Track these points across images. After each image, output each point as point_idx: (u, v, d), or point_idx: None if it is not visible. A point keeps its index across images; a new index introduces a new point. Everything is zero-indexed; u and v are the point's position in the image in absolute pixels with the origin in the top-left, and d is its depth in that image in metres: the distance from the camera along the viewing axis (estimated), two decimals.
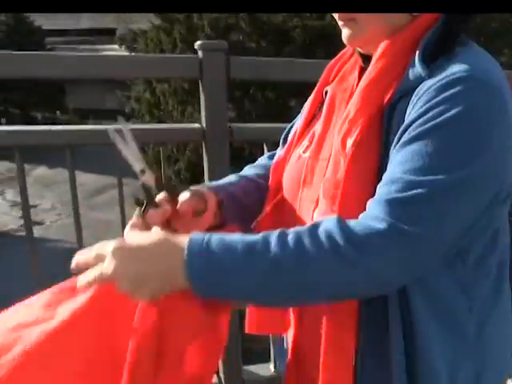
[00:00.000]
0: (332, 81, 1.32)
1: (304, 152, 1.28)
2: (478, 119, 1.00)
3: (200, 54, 2.14)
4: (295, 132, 1.35)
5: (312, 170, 1.22)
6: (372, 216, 0.97)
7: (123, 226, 2.41)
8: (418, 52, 1.09)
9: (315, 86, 1.38)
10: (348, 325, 1.08)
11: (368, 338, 1.09)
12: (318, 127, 1.26)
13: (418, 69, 1.07)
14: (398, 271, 0.97)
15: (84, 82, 42.41)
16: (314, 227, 0.98)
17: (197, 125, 2.22)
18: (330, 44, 25.43)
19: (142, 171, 1.19)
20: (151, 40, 21.82)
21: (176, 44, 20.40)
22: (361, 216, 1.00)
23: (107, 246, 1.00)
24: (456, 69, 1.03)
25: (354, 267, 0.94)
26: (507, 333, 1.23)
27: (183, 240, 0.98)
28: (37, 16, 48.44)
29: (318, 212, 1.16)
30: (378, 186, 1.02)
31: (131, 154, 1.19)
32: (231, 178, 1.38)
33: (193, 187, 1.23)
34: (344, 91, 1.24)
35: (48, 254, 13.13)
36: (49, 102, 37.93)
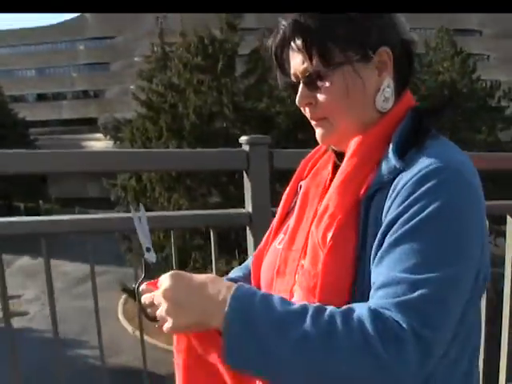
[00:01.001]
0: (306, 176, 1.35)
1: (279, 244, 1.29)
2: (459, 210, 1.02)
3: (246, 147, 2.29)
4: (272, 226, 1.37)
5: (285, 261, 1.22)
6: (393, 321, 0.95)
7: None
8: (391, 146, 1.12)
9: None
10: None
11: None
12: (291, 220, 1.28)
13: (392, 162, 1.09)
14: (413, 371, 0.94)
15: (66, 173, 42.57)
16: (347, 314, 0.97)
17: (244, 210, 2.33)
18: (311, 128, 26.03)
19: (148, 249, 1.30)
20: (137, 129, 22.16)
21: (162, 133, 20.75)
22: (378, 315, 0.96)
23: (168, 281, 1.09)
24: (429, 161, 1.05)
25: (377, 360, 0.92)
26: None
27: (225, 292, 1.03)
28: (20, 108, 49.15)
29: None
30: (378, 285, 1.01)
31: (143, 232, 1.31)
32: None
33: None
34: (317, 186, 1.27)
35: (33, 343, 12.89)
36: (32, 192, 38.10)
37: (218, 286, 1.05)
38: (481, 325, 1.20)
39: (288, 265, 1.20)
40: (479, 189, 1.08)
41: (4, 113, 45.12)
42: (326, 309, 0.98)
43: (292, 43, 1.17)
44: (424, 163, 1.05)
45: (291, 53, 1.19)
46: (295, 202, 1.33)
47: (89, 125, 53.08)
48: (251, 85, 25.01)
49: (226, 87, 19.92)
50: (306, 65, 1.16)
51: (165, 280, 1.09)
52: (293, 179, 1.38)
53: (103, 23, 54.78)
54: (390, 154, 1.10)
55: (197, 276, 1.09)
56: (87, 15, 56.51)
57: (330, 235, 1.09)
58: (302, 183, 1.33)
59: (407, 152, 1.09)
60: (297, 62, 1.18)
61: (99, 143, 43.14)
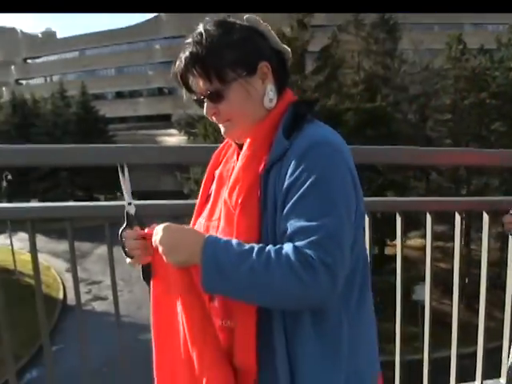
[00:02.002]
0: (219, 164, 1.66)
1: (202, 218, 1.64)
2: (333, 173, 1.38)
3: None
4: (195, 210, 1.69)
5: (207, 229, 1.57)
6: (307, 254, 1.31)
7: None
8: (279, 131, 1.47)
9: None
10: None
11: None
12: (210, 199, 1.61)
13: (280, 142, 1.45)
14: (325, 287, 1.31)
15: (141, 166, 43.61)
16: (280, 249, 1.34)
17: None
18: (380, 125, 25.69)
19: (129, 203, 1.61)
20: (210, 125, 22.78)
21: None
22: (297, 250, 1.32)
23: (160, 231, 1.43)
24: (306, 139, 1.42)
25: (304, 283, 1.29)
26: (371, 328, 1.60)
27: (203, 237, 1.39)
28: (101, 105, 50.44)
29: None
30: (291, 232, 1.36)
31: (126, 189, 1.62)
32: None
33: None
34: (227, 171, 1.60)
35: (112, 327, 13.24)
36: (110, 184, 39.06)
37: (195, 234, 1.44)
38: (366, 256, 1.60)
39: (210, 232, 1.54)
40: (346, 154, 1.45)
41: (87, 110, 46.59)
42: (265, 247, 1.35)
43: (193, 70, 1.49)
44: (303, 141, 1.42)
45: (193, 77, 1.51)
46: (212, 187, 1.65)
47: (163, 121, 53.97)
48: (321, 82, 24.89)
49: (296, 84, 19.90)
50: (206, 85, 1.49)
51: (159, 229, 1.44)
52: (208, 169, 1.69)
53: (177, 23, 55.42)
54: (279, 137, 1.46)
55: (180, 227, 1.45)
56: (163, 16, 57.41)
57: (240, 200, 1.44)
58: (217, 171, 1.65)
59: (291, 134, 1.45)
60: (199, 84, 1.51)
61: (173, 138, 43.82)
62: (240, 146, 1.59)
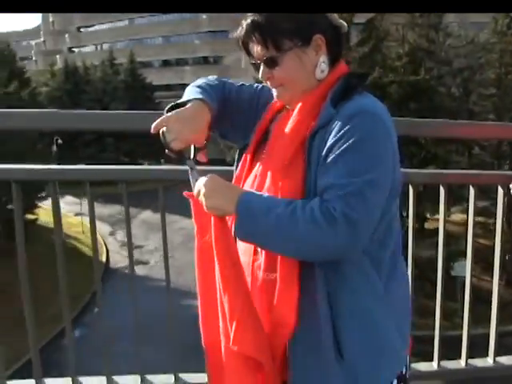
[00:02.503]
0: (274, 115, 1.74)
1: (258, 167, 1.69)
2: (373, 140, 1.45)
3: None
4: (246, 157, 1.74)
5: (253, 184, 1.65)
6: (330, 206, 1.39)
7: None
8: (327, 100, 1.55)
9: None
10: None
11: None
12: (263, 156, 1.67)
13: (328, 110, 1.52)
14: (347, 241, 1.39)
15: None
16: (307, 201, 1.44)
17: None
18: (423, 98, 25.28)
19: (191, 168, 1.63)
20: None
21: None
22: (322, 203, 1.41)
23: (205, 177, 1.54)
24: (353, 107, 1.49)
25: (324, 232, 1.38)
26: (405, 288, 1.71)
27: (239, 189, 1.55)
28: (147, 73, 50.80)
29: None
30: (322, 188, 1.45)
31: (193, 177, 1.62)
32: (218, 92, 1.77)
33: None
34: (282, 130, 1.63)
35: (151, 291, 13.50)
36: (154, 151, 39.44)
37: (234, 185, 1.64)
38: (398, 221, 1.65)
39: (263, 185, 1.61)
40: (389, 124, 1.50)
41: (135, 77, 46.92)
42: (293, 201, 1.44)
43: (252, 36, 1.58)
44: (349, 108, 1.48)
45: (252, 43, 1.60)
46: (265, 138, 1.71)
47: None
48: (365, 54, 24.53)
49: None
50: (263, 51, 1.58)
51: (206, 177, 1.54)
52: (262, 119, 1.75)
53: None
54: (327, 105, 1.53)
55: (222, 179, 1.55)
56: None
57: (286, 162, 1.54)
58: (271, 126, 1.72)
59: (339, 103, 1.52)
60: (257, 49, 1.59)
61: None
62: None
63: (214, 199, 1.51)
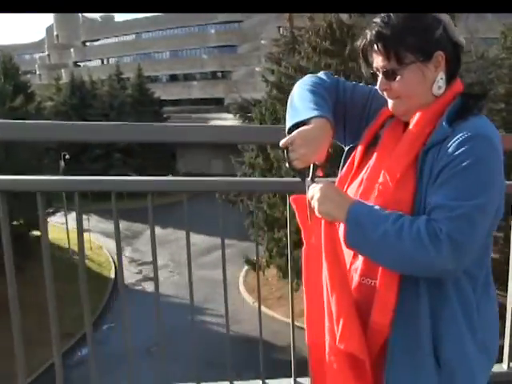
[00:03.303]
0: (384, 122, 1.76)
1: (365, 173, 1.72)
2: (486, 165, 1.49)
3: None
4: (353, 159, 1.79)
5: (363, 190, 1.68)
6: (436, 227, 1.44)
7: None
8: (444, 118, 1.58)
9: None
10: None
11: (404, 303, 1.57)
12: (371, 161, 1.71)
13: (444, 129, 1.56)
14: (450, 263, 1.45)
15: (193, 149, 44.44)
16: (415, 219, 1.49)
17: None
18: None
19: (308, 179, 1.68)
20: (267, 109, 22.80)
21: None
22: (429, 223, 1.46)
23: (321, 184, 1.62)
24: (468, 129, 1.51)
25: (428, 252, 1.43)
26: (493, 308, 1.72)
27: (350, 199, 1.60)
28: (155, 88, 51.03)
29: None
30: (431, 207, 1.49)
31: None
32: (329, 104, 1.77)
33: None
34: (393, 138, 1.70)
35: (162, 306, 13.46)
36: (162, 166, 39.54)
37: (347, 195, 1.65)
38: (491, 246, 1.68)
39: (371, 194, 1.65)
40: (500, 149, 1.54)
41: (142, 92, 47.18)
42: (402, 216, 1.50)
43: (375, 47, 1.61)
44: (465, 130, 1.51)
45: (374, 53, 1.63)
46: (373, 143, 1.75)
47: (216, 104, 54.24)
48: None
49: (353, 71, 19.68)
50: (384, 63, 1.61)
51: (322, 183, 1.62)
52: (374, 123, 1.78)
53: None
54: (443, 123, 1.57)
55: (337, 188, 1.66)
56: None
57: (398, 175, 1.59)
58: (381, 132, 1.75)
59: (454, 123, 1.55)
60: (378, 60, 1.62)
61: (226, 122, 44.03)
62: (405, 123, 1.71)
63: (327, 206, 1.58)
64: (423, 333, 1.56)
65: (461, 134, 1.51)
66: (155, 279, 2.63)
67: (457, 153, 1.49)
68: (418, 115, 1.63)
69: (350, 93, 1.84)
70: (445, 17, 1.63)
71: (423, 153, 1.58)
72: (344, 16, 21.75)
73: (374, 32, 1.60)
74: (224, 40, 57.43)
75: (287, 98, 1.87)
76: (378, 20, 1.61)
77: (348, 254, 1.66)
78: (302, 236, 1.73)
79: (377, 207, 1.55)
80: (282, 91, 21.65)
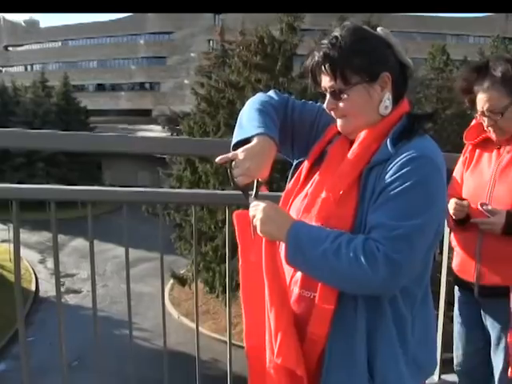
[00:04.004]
0: (331, 139, 1.80)
1: (310, 187, 1.76)
2: (427, 186, 1.53)
3: None
4: (299, 174, 1.84)
5: (310, 204, 1.71)
6: (374, 246, 1.48)
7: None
8: (388, 138, 1.61)
9: None
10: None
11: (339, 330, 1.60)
12: (316, 176, 1.75)
13: (387, 149, 1.59)
14: (386, 282, 1.49)
15: (119, 160, 43.84)
16: (353, 238, 1.52)
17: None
18: None
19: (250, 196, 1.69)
20: (195, 123, 22.67)
21: (219, 127, 21.20)
22: (366, 242, 1.50)
23: (263, 203, 1.64)
24: (412, 150, 1.55)
25: (364, 271, 1.47)
26: (431, 323, 1.78)
27: (290, 219, 1.63)
28: (82, 97, 50.03)
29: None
30: (371, 226, 1.53)
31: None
32: (275, 121, 1.80)
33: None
34: (338, 156, 1.73)
35: (83, 320, 13.18)
36: (87, 177, 38.80)
37: (288, 215, 1.66)
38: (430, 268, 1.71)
39: (313, 208, 1.69)
40: (444, 172, 1.59)
41: (68, 101, 46.16)
42: (341, 235, 1.52)
43: (322, 68, 1.64)
44: (408, 151, 1.55)
45: (322, 73, 1.66)
46: (320, 158, 1.80)
47: (143, 116, 53.76)
48: (307, 85, 24.93)
49: (282, 86, 19.95)
50: (331, 83, 1.65)
51: (264, 203, 1.63)
52: (321, 139, 1.82)
53: (164, 19, 55.29)
54: (387, 143, 1.60)
55: (279, 207, 1.68)
56: None
57: (341, 192, 1.62)
58: (327, 148, 1.79)
59: (398, 143, 1.59)
60: (325, 80, 1.66)
61: (154, 134, 43.63)
62: (351, 141, 1.75)
63: (268, 226, 1.62)
64: (359, 348, 1.60)
65: (404, 155, 1.55)
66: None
67: (399, 173, 1.53)
68: (363, 134, 1.67)
69: (299, 111, 1.88)
70: (393, 39, 1.68)
71: (366, 171, 1.61)
72: (276, 32, 22.06)
73: (321, 53, 1.64)
74: (153, 51, 57.08)
75: (216, 111, 1.90)
76: (325, 41, 1.64)
77: (288, 266, 1.68)
78: (239, 252, 1.76)
79: (317, 227, 1.60)
80: (211, 104, 21.78)
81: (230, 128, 21.06)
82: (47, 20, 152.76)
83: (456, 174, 2.67)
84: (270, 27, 21.81)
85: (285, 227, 1.58)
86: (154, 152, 2.78)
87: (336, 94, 1.65)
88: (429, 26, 50.61)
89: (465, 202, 2.48)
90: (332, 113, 1.71)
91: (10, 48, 66.98)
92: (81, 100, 47.57)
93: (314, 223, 1.65)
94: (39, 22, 70.28)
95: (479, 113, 2.46)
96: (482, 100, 2.43)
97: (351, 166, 1.65)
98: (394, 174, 1.54)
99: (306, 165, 1.84)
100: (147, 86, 59.30)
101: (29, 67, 63.99)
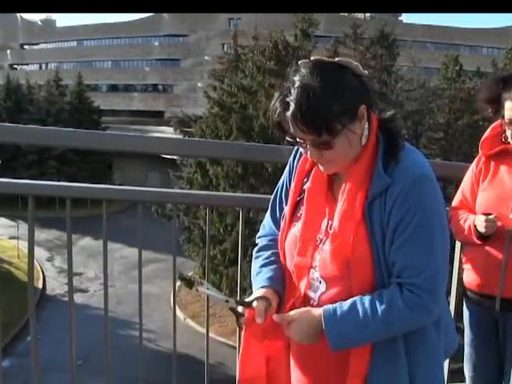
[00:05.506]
0: (306, 174, 1.76)
1: (297, 232, 1.73)
2: (437, 210, 1.57)
3: None
4: (284, 216, 1.79)
5: (313, 252, 1.68)
6: (413, 296, 1.54)
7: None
8: (378, 166, 1.58)
9: None
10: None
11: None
12: (303, 214, 1.72)
13: (382, 178, 1.56)
14: (435, 313, 1.58)
15: (130, 161, 43.91)
16: (391, 300, 1.54)
17: None
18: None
19: (226, 301, 1.67)
20: (208, 126, 22.95)
21: (232, 131, 21.43)
22: (405, 297, 1.54)
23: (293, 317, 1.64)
24: (408, 174, 1.55)
25: (418, 321, 1.58)
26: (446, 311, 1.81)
27: (320, 319, 1.59)
28: (95, 97, 50.20)
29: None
30: (400, 268, 1.55)
31: (216, 296, 1.69)
32: (273, 266, 1.80)
33: (258, 294, 1.70)
34: (322, 195, 1.71)
35: (88, 320, 13.22)
36: (98, 176, 38.86)
37: (315, 318, 1.61)
38: None
39: (308, 247, 1.68)
40: (434, 176, 1.59)
41: (81, 100, 46.39)
42: (376, 304, 1.53)
43: (300, 125, 1.51)
44: (403, 176, 1.54)
45: (297, 128, 1.53)
46: (301, 196, 1.76)
47: (156, 117, 53.83)
48: None
49: None
50: (313, 136, 1.53)
51: (297, 313, 1.63)
52: (296, 176, 1.77)
53: (178, 21, 55.42)
54: (379, 172, 1.57)
55: (308, 313, 1.63)
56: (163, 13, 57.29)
57: (352, 236, 1.57)
58: (306, 186, 1.73)
59: (389, 166, 1.57)
60: (305, 134, 1.54)
61: (166, 136, 43.67)
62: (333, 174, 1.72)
63: (305, 340, 1.64)
64: (401, 373, 1.62)
65: (403, 184, 1.54)
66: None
67: (404, 208, 1.53)
68: (351, 172, 1.63)
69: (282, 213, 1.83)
70: (354, 65, 1.59)
71: (368, 206, 1.58)
72: (290, 38, 22.09)
73: (296, 110, 1.50)
74: (167, 53, 57.22)
75: (228, 115, 1.89)
76: (293, 97, 1.51)
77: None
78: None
79: (345, 307, 1.58)
80: (224, 108, 21.85)
81: (242, 132, 21.20)
82: (63, 19, 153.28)
83: (465, 186, 2.64)
84: (284, 33, 21.88)
85: (318, 328, 1.60)
86: (172, 153, 2.79)
87: (322, 146, 1.56)
88: (442, 37, 50.51)
89: (494, 218, 2.41)
90: (315, 160, 1.65)
91: (26, 46, 67.41)
92: (94, 100, 47.79)
93: (333, 272, 1.62)
94: (55, 22, 70.57)
95: (507, 121, 2.44)
96: (510, 108, 2.42)
97: (350, 205, 1.60)
98: (400, 208, 1.54)
99: (288, 208, 1.78)
100: (160, 87, 59.40)
101: (43, 66, 64.38)
